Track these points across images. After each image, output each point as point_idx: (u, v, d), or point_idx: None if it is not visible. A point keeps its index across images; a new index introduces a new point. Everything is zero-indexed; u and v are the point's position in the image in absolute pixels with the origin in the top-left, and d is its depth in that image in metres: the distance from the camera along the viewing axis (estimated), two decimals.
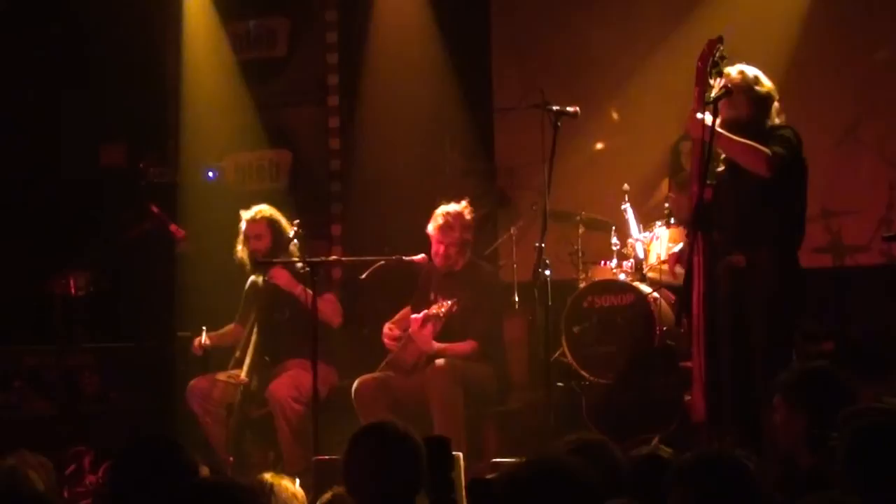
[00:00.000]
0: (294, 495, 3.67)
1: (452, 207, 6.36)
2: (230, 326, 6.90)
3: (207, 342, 6.63)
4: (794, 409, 3.81)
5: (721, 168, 5.25)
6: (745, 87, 5.19)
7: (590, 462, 3.34)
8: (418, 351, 6.24)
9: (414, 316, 6.28)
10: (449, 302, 6.15)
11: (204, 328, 6.67)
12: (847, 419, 3.36)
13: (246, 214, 6.74)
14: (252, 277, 6.85)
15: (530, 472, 2.80)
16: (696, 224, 4.88)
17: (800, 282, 5.29)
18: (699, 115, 4.96)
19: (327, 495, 3.40)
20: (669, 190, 7.24)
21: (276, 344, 6.63)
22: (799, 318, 5.68)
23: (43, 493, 3.32)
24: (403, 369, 6.29)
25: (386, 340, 6.41)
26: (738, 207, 5.17)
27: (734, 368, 5.10)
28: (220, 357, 6.76)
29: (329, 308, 6.47)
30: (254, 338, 6.60)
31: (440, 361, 6.04)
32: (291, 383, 6.38)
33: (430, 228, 6.36)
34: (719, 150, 5.26)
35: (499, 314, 6.60)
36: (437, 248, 6.34)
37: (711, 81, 5.05)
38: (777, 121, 5.30)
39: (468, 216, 6.37)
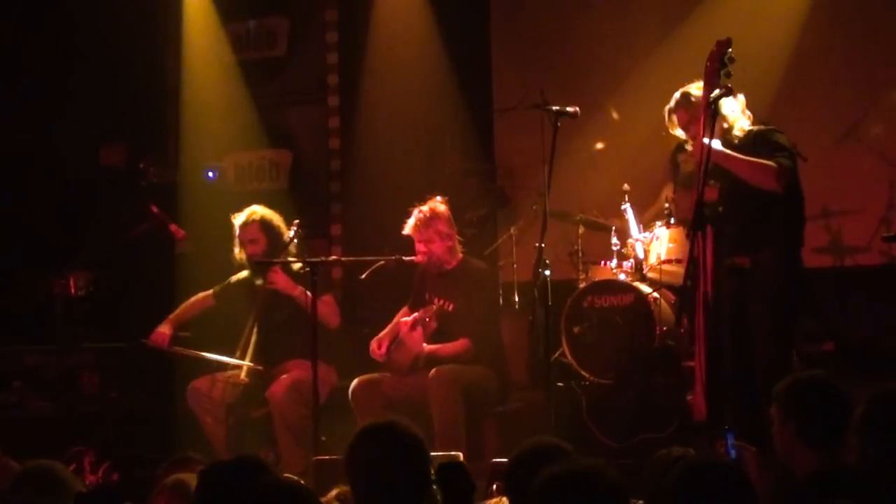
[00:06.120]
0: None
1: (426, 205, 6.31)
2: (199, 296, 6.85)
3: (168, 333, 6.62)
4: (786, 416, 3.81)
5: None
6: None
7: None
8: (412, 352, 6.24)
9: (405, 319, 6.28)
10: (435, 306, 6.15)
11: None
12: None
13: (238, 219, 6.67)
14: (247, 273, 6.82)
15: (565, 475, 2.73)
16: (697, 224, 4.88)
17: (803, 283, 5.30)
18: (706, 141, 4.95)
19: (332, 494, 3.39)
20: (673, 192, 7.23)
21: (276, 344, 6.62)
22: (800, 318, 5.68)
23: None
24: (400, 371, 6.28)
25: (373, 356, 6.40)
26: (743, 210, 5.18)
27: (736, 369, 5.11)
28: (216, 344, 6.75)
29: (327, 310, 6.44)
30: (253, 338, 6.59)
31: (440, 369, 6.01)
32: (291, 384, 6.36)
33: (408, 230, 6.29)
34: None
35: (495, 313, 6.57)
36: (420, 248, 6.29)
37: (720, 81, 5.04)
38: (747, 123, 5.29)
39: (442, 207, 6.29)
